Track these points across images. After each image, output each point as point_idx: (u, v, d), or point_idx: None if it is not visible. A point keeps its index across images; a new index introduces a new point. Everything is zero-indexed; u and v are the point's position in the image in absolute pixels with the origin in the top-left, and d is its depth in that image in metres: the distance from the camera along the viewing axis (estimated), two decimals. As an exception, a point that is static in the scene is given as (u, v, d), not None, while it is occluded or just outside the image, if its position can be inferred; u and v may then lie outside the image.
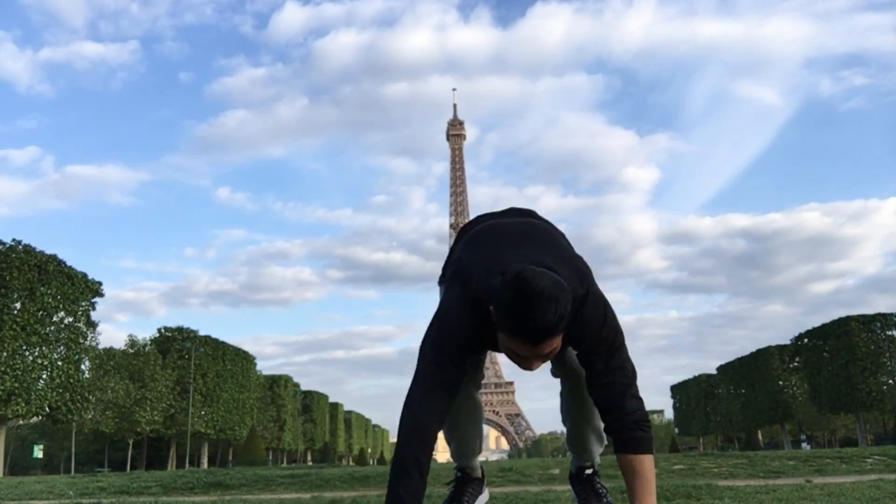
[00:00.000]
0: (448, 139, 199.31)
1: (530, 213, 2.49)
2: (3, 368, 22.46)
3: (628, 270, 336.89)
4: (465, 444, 2.54)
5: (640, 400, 2.02)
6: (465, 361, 2.02)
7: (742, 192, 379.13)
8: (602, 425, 2.48)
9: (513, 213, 2.51)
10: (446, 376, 1.98)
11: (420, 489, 1.88)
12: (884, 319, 34.36)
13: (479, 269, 1.99)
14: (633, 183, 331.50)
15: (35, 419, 32.71)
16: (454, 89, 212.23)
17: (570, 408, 2.47)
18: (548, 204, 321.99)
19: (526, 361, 1.88)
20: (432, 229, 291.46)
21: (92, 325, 27.70)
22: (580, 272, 2.02)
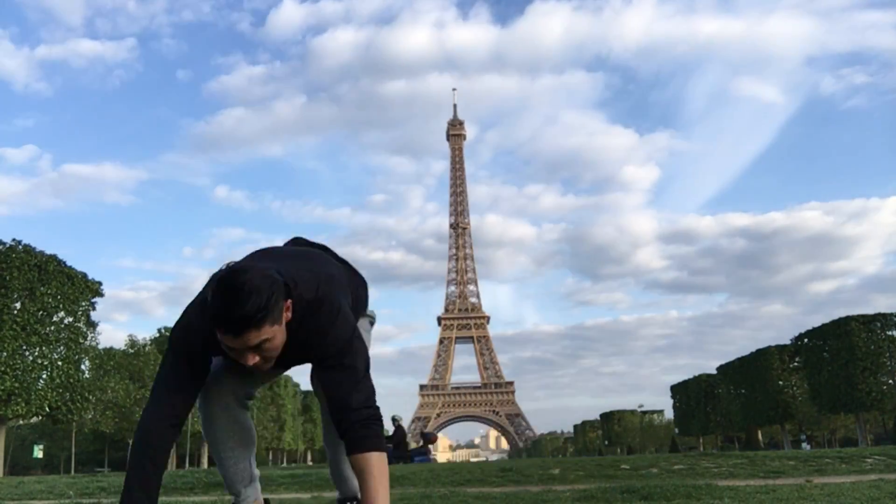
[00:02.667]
0: (448, 139, 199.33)
1: (320, 246, 2.48)
2: (3, 368, 22.45)
3: (628, 270, 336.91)
4: (226, 468, 2.29)
5: (368, 397, 1.93)
6: (203, 363, 2.01)
7: (742, 191, 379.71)
8: None
9: (296, 241, 2.51)
10: (179, 375, 1.97)
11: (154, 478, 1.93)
12: (884, 319, 34.32)
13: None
14: (632, 182, 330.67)
15: (35, 419, 32.66)
16: (454, 89, 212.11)
17: (330, 431, 2.36)
18: (547, 203, 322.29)
19: (240, 355, 1.83)
20: (431, 228, 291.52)
21: (92, 324, 27.70)
22: (322, 281, 1.99)
